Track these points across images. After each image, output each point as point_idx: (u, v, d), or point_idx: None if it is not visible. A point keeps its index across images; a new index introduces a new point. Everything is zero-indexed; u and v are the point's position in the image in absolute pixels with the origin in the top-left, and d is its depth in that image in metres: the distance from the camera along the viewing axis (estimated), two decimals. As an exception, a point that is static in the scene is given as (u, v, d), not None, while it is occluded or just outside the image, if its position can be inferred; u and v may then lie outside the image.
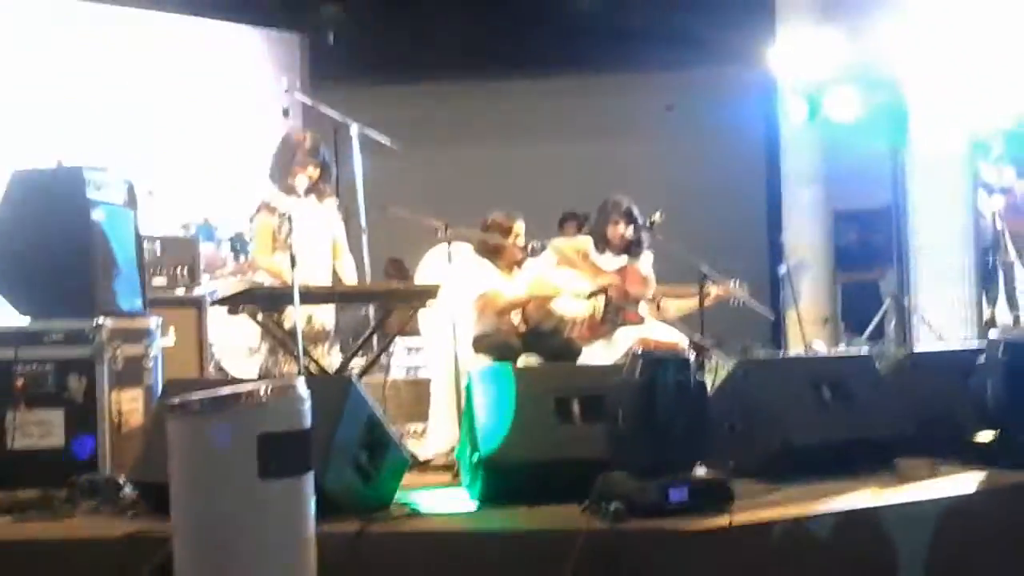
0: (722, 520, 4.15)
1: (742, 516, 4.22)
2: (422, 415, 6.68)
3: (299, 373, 5.27)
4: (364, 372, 6.20)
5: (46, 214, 5.27)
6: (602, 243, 6.53)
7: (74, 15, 9.63)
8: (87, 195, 5.29)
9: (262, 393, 3.58)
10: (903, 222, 10.37)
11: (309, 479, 3.65)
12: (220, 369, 7.35)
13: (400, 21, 13.10)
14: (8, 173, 5.42)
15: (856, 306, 11.23)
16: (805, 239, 11.02)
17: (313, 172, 5.93)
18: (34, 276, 5.26)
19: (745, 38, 10.94)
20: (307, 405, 3.66)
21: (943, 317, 9.32)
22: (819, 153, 11.08)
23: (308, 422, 3.66)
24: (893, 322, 10.32)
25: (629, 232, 6.54)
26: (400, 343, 8.29)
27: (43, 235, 5.24)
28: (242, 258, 8.04)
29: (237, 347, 7.49)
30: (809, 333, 9.83)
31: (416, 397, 7.05)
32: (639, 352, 4.43)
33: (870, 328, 10.35)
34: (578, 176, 12.63)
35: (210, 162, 9.40)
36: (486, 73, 13.25)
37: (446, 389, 6.09)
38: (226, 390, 3.65)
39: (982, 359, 5.32)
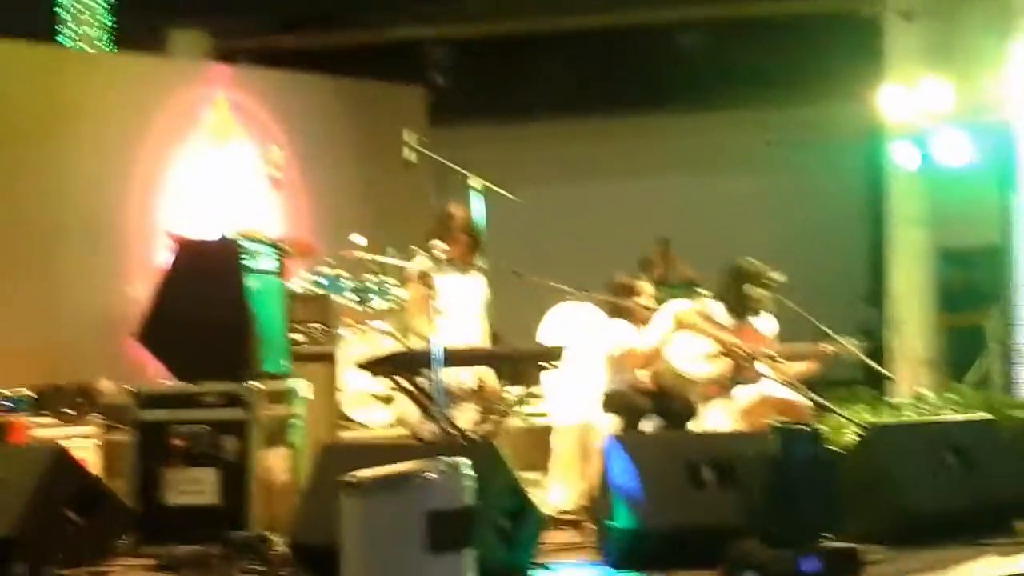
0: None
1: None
2: (537, 464, 6.84)
3: (443, 434, 5.53)
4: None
5: (207, 283, 5.61)
6: (733, 307, 6.64)
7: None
8: (244, 265, 5.63)
9: (430, 473, 3.83)
10: (1008, 262, 10.39)
11: (471, 553, 3.90)
12: (346, 418, 7.64)
13: (506, 63, 13.43)
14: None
15: (960, 349, 11.16)
16: (909, 280, 11.11)
17: (464, 246, 6.25)
18: (191, 342, 5.59)
19: (851, 78, 11.09)
20: (471, 482, 3.91)
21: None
22: (926, 195, 11.15)
23: (471, 499, 3.91)
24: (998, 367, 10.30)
25: (757, 294, 6.67)
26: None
27: (202, 303, 5.57)
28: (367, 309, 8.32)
29: (360, 394, 7.83)
30: (913, 377, 9.82)
31: (532, 445, 7.22)
32: (774, 424, 4.63)
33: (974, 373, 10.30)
34: (680, 211, 12.83)
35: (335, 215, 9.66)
36: (588, 112, 13.47)
37: (571, 446, 6.29)
38: (395, 468, 3.91)
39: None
